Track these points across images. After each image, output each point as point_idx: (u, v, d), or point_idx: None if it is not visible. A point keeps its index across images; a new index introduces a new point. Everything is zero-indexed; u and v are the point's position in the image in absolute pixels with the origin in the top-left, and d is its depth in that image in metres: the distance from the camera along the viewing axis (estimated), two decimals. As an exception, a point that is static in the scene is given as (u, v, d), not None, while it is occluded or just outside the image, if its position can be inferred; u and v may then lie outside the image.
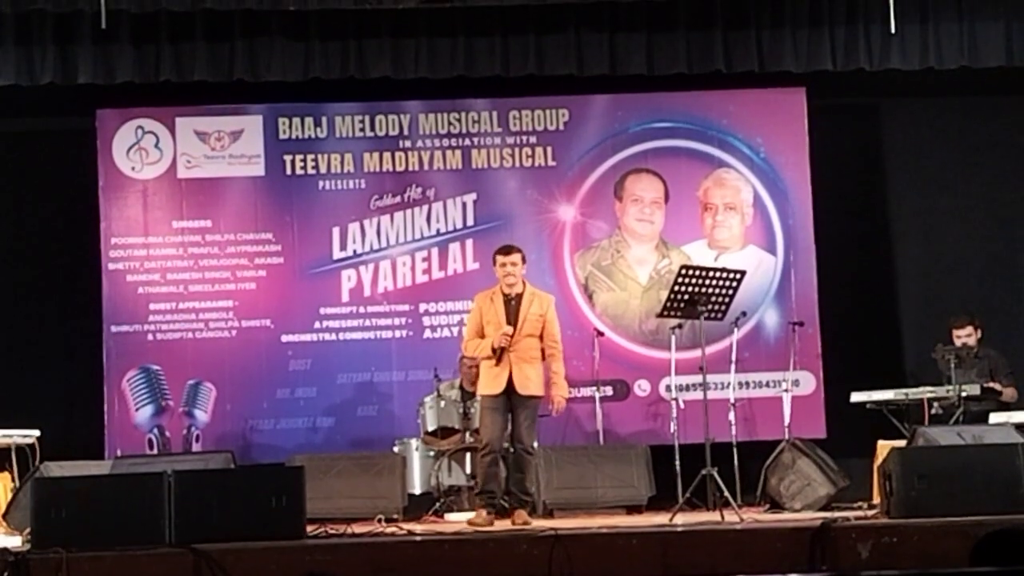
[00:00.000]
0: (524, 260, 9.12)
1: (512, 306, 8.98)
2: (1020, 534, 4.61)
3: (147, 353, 11.05)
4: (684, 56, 10.84)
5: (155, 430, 10.90)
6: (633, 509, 9.91)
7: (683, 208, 11.45)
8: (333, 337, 11.19)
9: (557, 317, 9.20)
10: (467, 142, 11.39)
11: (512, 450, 9.01)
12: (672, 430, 10.25)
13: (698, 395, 9.48)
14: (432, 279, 11.28)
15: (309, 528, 7.63)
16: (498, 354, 8.88)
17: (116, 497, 7.31)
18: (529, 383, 8.89)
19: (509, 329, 8.86)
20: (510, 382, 8.85)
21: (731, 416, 10.18)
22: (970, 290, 11.51)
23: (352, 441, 11.02)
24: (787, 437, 9.85)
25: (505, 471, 9.13)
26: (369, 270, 11.26)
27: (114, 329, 11.03)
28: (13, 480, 9.33)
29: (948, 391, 9.91)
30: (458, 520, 9.38)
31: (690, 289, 8.99)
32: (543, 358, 9.05)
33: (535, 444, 9.29)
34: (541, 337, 9.01)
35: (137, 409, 10.96)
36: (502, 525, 8.55)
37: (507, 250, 9.13)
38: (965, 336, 10.33)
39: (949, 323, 10.44)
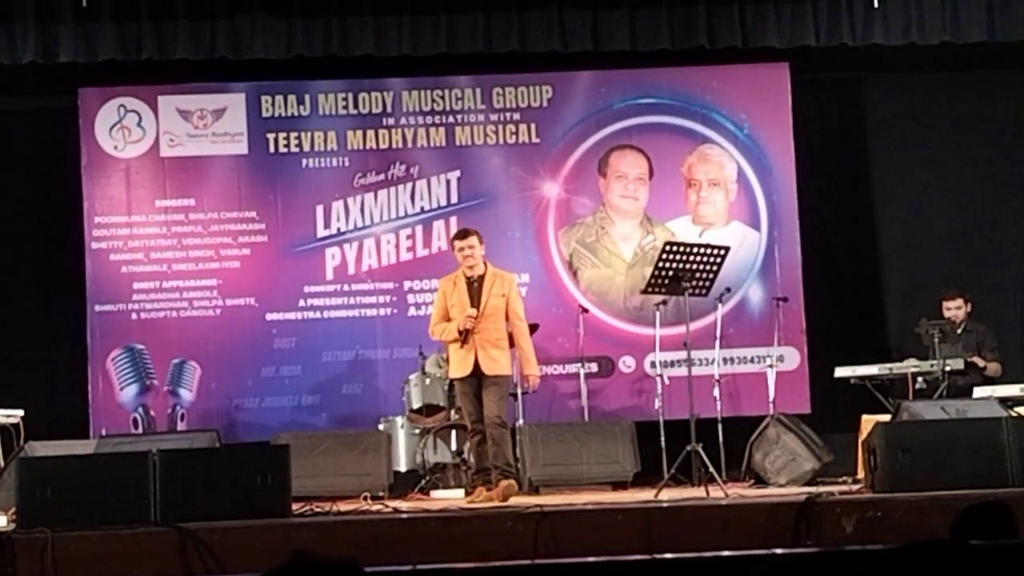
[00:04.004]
0: (481, 241, 9.07)
1: (475, 288, 8.98)
2: (999, 507, 4.64)
3: (131, 332, 11.02)
4: (667, 32, 10.81)
5: (140, 409, 10.88)
6: (618, 485, 9.92)
7: (667, 184, 11.45)
8: (317, 315, 11.17)
9: (521, 295, 9.31)
10: (450, 119, 11.36)
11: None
12: (657, 406, 10.26)
13: (683, 371, 9.49)
14: (416, 256, 11.27)
15: (294, 506, 7.64)
16: (463, 336, 8.89)
17: (101, 476, 7.32)
18: (495, 364, 8.89)
19: (474, 312, 8.86)
20: (476, 364, 8.87)
21: (716, 392, 10.17)
22: (953, 264, 11.53)
23: (337, 419, 11.01)
24: (772, 412, 9.87)
25: (489, 447, 9.14)
26: (353, 248, 11.24)
27: (98, 308, 11.00)
28: (-2, 460, 9.32)
29: (932, 365, 9.94)
30: (444, 497, 9.39)
31: (674, 265, 8.99)
32: (511, 343, 9.07)
33: (504, 415, 9.11)
34: (507, 318, 9.01)
35: (122, 388, 10.94)
36: (488, 501, 8.57)
37: (463, 234, 9.11)
38: (955, 309, 10.36)
39: (939, 295, 10.47)
